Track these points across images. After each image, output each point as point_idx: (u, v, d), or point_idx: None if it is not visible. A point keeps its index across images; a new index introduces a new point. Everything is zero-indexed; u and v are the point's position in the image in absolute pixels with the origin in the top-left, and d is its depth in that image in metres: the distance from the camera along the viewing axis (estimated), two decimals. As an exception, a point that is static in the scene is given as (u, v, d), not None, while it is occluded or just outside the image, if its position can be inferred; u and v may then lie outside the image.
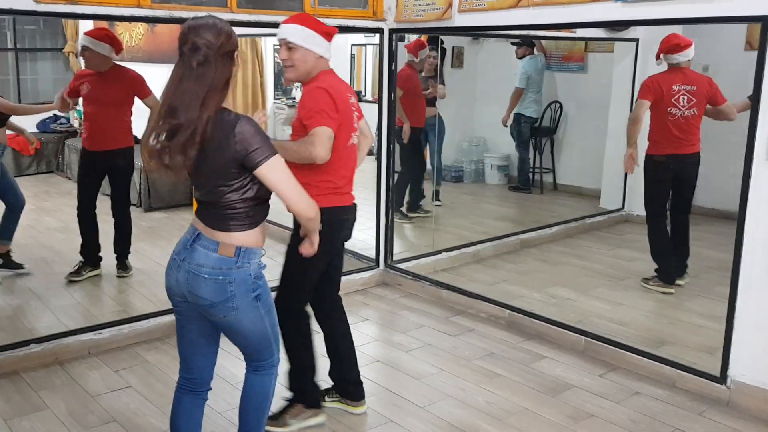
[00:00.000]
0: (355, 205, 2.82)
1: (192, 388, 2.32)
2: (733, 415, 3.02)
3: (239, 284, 2.11)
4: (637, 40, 5.81)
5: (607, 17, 3.36)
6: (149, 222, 5.95)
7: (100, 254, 4.55)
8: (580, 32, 5.88)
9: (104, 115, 4.35)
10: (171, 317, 3.76)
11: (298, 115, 2.61)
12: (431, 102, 5.94)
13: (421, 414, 3.00)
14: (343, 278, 3.10)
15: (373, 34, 4.48)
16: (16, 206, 4.47)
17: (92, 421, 2.90)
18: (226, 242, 2.09)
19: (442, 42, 6.67)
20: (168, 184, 6.33)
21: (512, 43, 6.73)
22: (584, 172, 6.60)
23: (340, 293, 3.02)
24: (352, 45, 8.02)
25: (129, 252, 4.64)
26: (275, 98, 9.60)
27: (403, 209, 5.80)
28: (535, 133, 6.82)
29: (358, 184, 2.89)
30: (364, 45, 7.85)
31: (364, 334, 3.80)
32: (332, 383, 3.05)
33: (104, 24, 4.91)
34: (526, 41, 6.61)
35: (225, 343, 3.51)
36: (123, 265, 4.59)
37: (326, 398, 3.03)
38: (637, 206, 5.91)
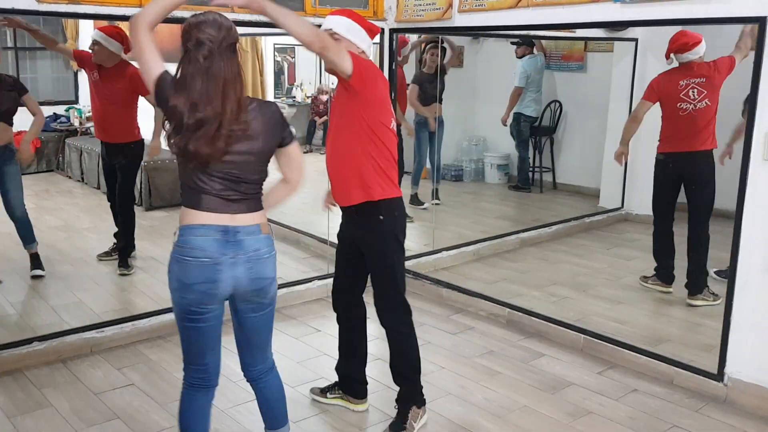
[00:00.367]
0: None
1: (204, 384, 2.33)
2: (730, 411, 3.05)
3: (274, 258, 2.27)
4: (636, 39, 5.83)
5: (605, 18, 3.38)
6: (150, 221, 5.97)
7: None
8: (580, 32, 5.90)
9: (105, 110, 4.47)
10: (172, 315, 3.79)
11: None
12: (429, 100, 5.98)
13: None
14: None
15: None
16: (12, 217, 4.36)
17: (95, 418, 2.93)
18: (263, 222, 2.21)
19: (443, 41, 6.70)
20: (169, 183, 6.35)
21: (512, 43, 6.75)
22: (584, 171, 6.62)
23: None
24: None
25: (131, 249, 4.67)
26: (275, 97, 9.62)
27: None
28: (534, 132, 6.84)
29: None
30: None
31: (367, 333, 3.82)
32: (337, 379, 3.07)
33: (103, 23, 4.93)
34: (525, 41, 6.63)
35: (232, 342, 3.54)
36: (124, 263, 4.62)
37: (327, 395, 3.05)
38: (636, 205, 5.96)
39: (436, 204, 6.12)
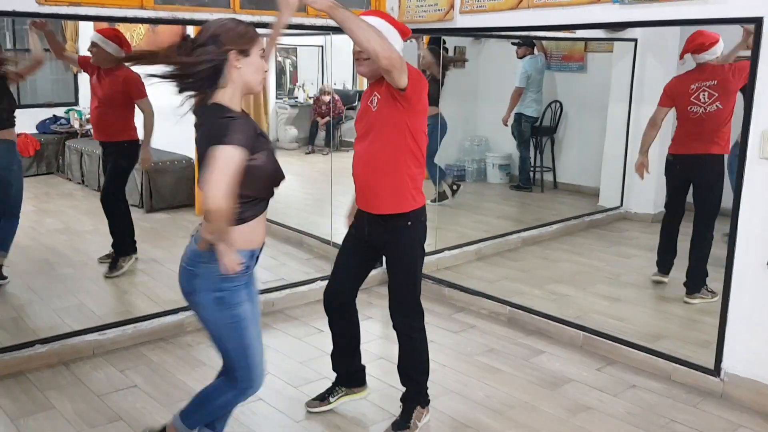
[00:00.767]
0: None
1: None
2: (727, 406, 3.08)
3: (203, 280, 2.14)
4: (635, 40, 5.85)
5: (604, 18, 3.41)
6: (151, 223, 5.99)
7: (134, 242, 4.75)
8: (580, 32, 5.91)
9: (101, 110, 4.52)
10: (174, 317, 3.83)
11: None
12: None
13: (423, 409, 3.05)
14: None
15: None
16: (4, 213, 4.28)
17: (99, 420, 2.94)
18: (205, 235, 2.06)
19: (444, 42, 6.71)
20: (169, 185, 6.37)
21: (513, 43, 6.77)
22: (584, 170, 6.64)
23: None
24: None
25: (121, 252, 4.64)
26: (277, 98, 9.64)
27: None
28: (535, 132, 6.86)
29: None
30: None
31: (368, 331, 3.82)
32: (337, 379, 3.07)
33: (104, 25, 4.95)
34: (526, 41, 6.65)
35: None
36: (112, 264, 4.62)
37: (331, 399, 3.02)
38: (634, 204, 5.98)
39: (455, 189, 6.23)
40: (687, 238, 4.20)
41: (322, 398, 3.03)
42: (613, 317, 3.95)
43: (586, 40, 6.43)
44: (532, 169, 6.91)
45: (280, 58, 9.59)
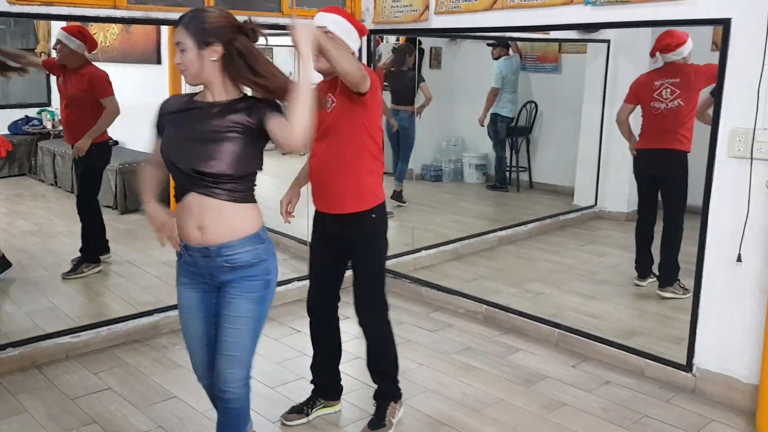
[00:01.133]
0: None
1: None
2: (699, 401, 3.13)
3: None
4: (608, 41, 5.93)
5: (577, 20, 3.45)
6: (125, 224, 5.93)
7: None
8: (554, 33, 5.98)
9: (68, 110, 4.47)
10: (149, 319, 3.80)
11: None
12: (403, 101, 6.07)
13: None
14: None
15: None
16: None
17: (72, 423, 2.91)
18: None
19: (420, 43, 6.74)
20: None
21: (488, 44, 6.83)
22: (559, 170, 6.71)
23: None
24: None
25: (87, 257, 4.59)
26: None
27: None
28: (511, 132, 6.92)
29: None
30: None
31: (345, 332, 3.78)
32: (315, 390, 3.00)
33: (87, 25, 4.91)
34: (501, 42, 6.71)
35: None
36: (75, 266, 4.57)
37: (310, 413, 2.96)
38: (608, 203, 6.06)
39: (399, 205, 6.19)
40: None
41: (300, 410, 2.97)
42: (587, 315, 4.00)
43: (560, 41, 6.50)
44: (508, 168, 6.98)
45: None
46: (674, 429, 2.91)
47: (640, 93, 4.23)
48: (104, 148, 4.55)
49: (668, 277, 4.24)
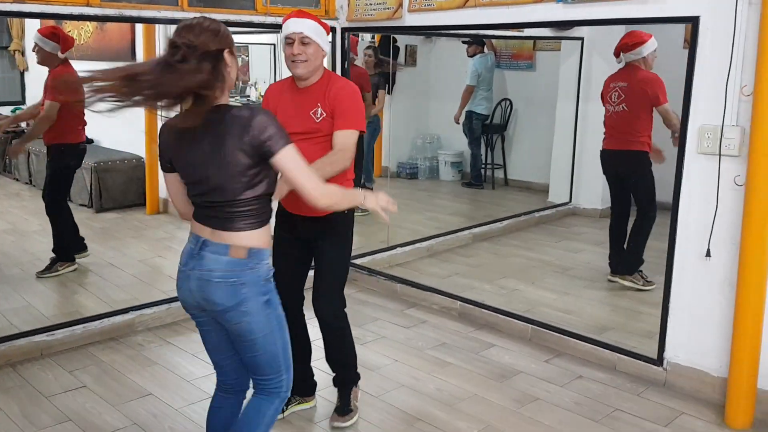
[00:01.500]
0: None
1: (223, 386, 2.30)
2: (669, 394, 3.19)
3: (251, 286, 2.04)
4: (582, 39, 6.00)
5: (549, 18, 3.48)
6: (101, 223, 5.88)
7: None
8: (528, 31, 6.04)
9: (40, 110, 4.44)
10: (125, 317, 3.79)
11: (334, 106, 2.61)
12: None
13: (376, 403, 3.08)
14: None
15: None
16: None
17: (46, 421, 2.90)
18: (237, 243, 2.02)
19: (395, 40, 6.77)
20: (119, 185, 6.27)
21: (463, 42, 6.87)
22: (533, 167, 6.78)
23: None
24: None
25: (60, 257, 4.56)
26: (229, 96, 9.56)
27: None
28: (486, 130, 6.97)
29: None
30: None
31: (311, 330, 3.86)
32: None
33: (52, 22, 4.86)
34: (476, 40, 6.75)
35: (186, 342, 3.53)
36: (50, 264, 4.54)
37: (286, 408, 2.97)
38: (583, 200, 6.14)
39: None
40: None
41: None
42: (561, 310, 4.05)
43: (534, 38, 6.57)
44: (483, 166, 7.02)
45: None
46: (645, 422, 2.96)
47: (603, 93, 4.37)
48: (77, 149, 4.52)
49: (628, 265, 4.36)
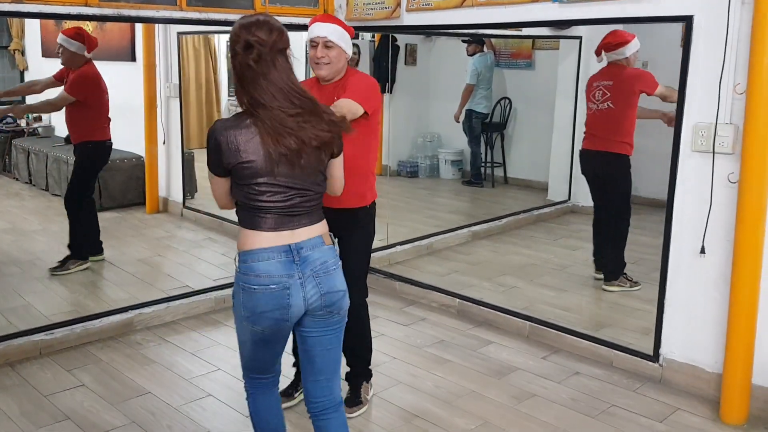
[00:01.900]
0: None
1: (275, 382, 2.31)
2: (665, 390, 3.20)
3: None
4: (580, 37, 6.01)
5: (545, 17, 3.50)
6: (101, 221, 5.81)
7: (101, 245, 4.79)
8: (527, 30, 6.05)
9: (68, 109, 4.49)
10: (123, 316, 3.80)
11: (347, 89, 2.72)
12: None
13: (374, 400, 3.10)
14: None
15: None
16: None
17: (45, 420, 2.91)
18: (326, 232, 2.14)
19: (395, 39, 6.78)
20: (119, 183, 6.28)
21: (463, 41, 6.88)
22: (533, 165, 6.79)
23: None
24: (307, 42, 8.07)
25: (74, 254, 4.60)
26: (229, 96, 9.57)
27: None
28: (486, 128, 6.99)
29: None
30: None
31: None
32: (297, 373, 3.09)
33: (52, 22, 4.88)
34: (475, 39, 6.76)
35: (185, 341, 3.54)
36: (62, 262, 4.59)
37: (295, 394, 3.05)
38: (581, 197, 6.14)
39: None
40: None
41: (286, 394, 3.04)
42: (558, 307, 4.07)
43: (533, 37, 6.57)
44: (483, 164, 7.04)
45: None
46: (641, 418, 2.98)
47: (586, 92, 4.35)
48: (103, 147, 4.59)
49: (613, 271, 4.33)
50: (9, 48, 8.40)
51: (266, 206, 2.02)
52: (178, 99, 6.05)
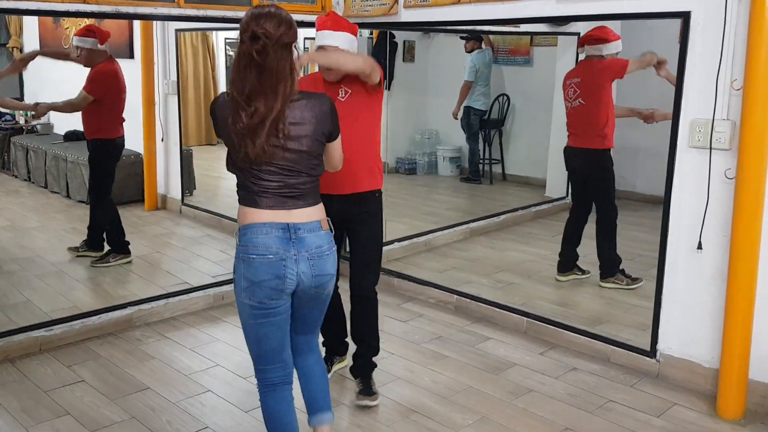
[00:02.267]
0: None
1: (287, 380, 2.31)
2: (662, 385, 3.22)
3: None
4: (578, 34, 5.99)
5: (543, 13, 3.51)
6: (100, 219, 5.90)
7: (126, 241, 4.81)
8: (525, 27, 6.04)
9: (86, 108, 4.51)
10: (123, 312, 3.81)
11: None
12: None
13: (371, 396, 3.11)
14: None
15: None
16: None
17: (45, 415, 2.92)
18: (322, 217, 2.21)
19: (393, 36, 6.78)
20: (118, 181, 6.27)
21: (461, 38, 6.88)
22: (531, 162, 6.79)
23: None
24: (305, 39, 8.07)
25: (115, 249, 4.72)
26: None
27: None
28: (484, 125, 6.99)
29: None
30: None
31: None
32: (328, 350, 3.31)
33: (51, 20, 4.88)
34: (474, 36, 6.76)
35: (184, 337, 3.56)
36: (104, 255, 4.72)
37: (331, 369, 3.27)
38: (579, 194, 6.15)
39: None
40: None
41: (331, 360, 3.29)
42: (556, 303, 4.09)
43: (531, 34, 6.57)
44: (481, 161, 7.04)
45: (231, 53, 9.53)
46: (638, 413, 2.99)
47: (563, 90, 4.34)
48: (113, 144, 4.61)
49: (609, 268, 4.31)
50: (7, 45, 8.39)
51: (262, 187, 2.12)
52: (177, 96, 6.06)
